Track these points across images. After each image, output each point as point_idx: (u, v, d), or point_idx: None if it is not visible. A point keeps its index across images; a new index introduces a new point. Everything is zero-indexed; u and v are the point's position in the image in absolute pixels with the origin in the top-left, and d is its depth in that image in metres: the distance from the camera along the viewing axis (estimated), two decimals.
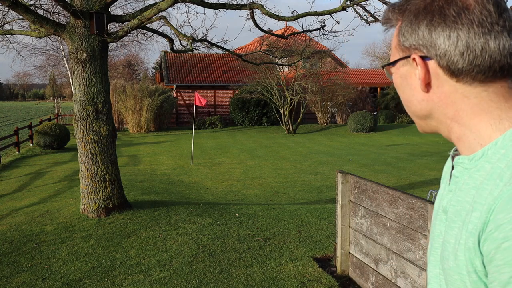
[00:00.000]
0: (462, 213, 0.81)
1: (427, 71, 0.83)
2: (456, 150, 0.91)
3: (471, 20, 0.79)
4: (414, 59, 0.84)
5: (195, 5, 6.58)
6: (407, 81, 0.88)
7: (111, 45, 26.49)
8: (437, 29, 0.81)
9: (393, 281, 3.71)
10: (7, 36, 9.64)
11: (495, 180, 0.76)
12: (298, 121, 23.83)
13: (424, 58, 0.83)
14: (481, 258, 0.75)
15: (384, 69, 0.95)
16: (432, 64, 0.83)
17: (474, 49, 0.79)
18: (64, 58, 30.54)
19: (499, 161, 0.78)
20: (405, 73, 0.88)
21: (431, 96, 0.85)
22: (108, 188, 6.66)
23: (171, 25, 6.88)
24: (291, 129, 23.56)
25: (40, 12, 7.24)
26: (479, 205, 0.77)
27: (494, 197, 0.74)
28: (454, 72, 0.81)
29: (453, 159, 0.90)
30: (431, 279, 0.92)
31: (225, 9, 6.63)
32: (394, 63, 0.90)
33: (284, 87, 23.68)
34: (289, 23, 19.93)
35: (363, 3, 6.59)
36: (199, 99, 13.24)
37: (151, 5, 6.69)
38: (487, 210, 0.74)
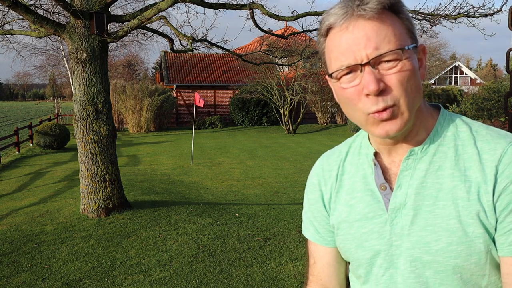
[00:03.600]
0: (444, 186, 0.93)
1: None
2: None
3: None
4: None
5: (195, 5, 6.58)
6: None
7: (111, 45, 26.49)
8: None
9: None
10: (7, 36, 9.65)
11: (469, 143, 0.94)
12: (298, 121, 23.82)
13: None
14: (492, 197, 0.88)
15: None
16: None
17: None
18: (64, 58, 30.54)
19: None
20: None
21: None
22: (108, 188, 6.66)
23: (171, 25, 6.87)
24: (291, 129, 23.55)
25: (40, 12, 7.25)
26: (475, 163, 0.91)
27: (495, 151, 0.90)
28: None
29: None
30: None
31: (225, 9, 6.63)
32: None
33: (284, 87, 23.68)
34: (289, 23, 19.92)
35: None
36: (198, 99, 13.24)
37: (151, 5, 6.68)
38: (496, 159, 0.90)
